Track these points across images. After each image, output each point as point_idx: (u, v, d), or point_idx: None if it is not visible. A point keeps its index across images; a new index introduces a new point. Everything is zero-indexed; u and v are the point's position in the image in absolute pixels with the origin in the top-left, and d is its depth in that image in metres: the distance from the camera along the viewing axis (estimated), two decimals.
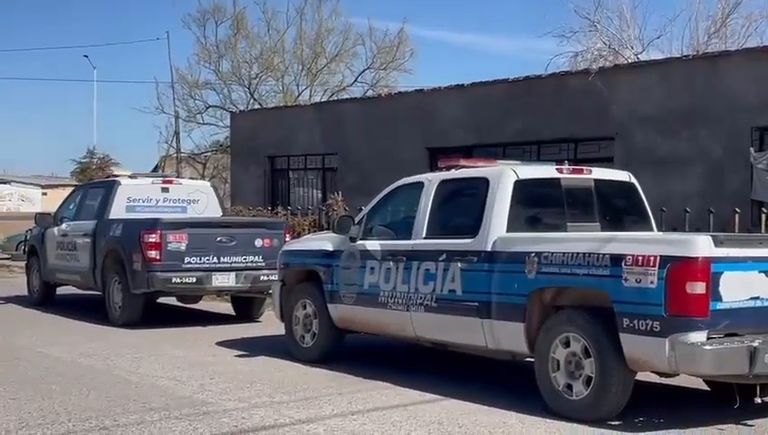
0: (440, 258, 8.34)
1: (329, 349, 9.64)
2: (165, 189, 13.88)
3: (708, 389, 8.05)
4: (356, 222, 9.44)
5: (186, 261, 12.03)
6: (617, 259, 6.91)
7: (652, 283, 6.65)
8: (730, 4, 23.57)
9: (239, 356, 10.06)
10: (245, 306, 13.45)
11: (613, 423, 7.00)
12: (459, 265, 8.14)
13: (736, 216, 10.73)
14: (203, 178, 33.41)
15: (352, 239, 9.31)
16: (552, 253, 7.41)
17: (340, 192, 17.63)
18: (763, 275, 6.84)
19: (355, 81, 36.57)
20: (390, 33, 36.34)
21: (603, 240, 7.35)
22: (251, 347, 10.56)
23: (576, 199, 8.57)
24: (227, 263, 12.27)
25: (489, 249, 7.91)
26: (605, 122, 15.25)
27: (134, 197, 13.54)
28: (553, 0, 49.63)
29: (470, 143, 17.15)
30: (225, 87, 37.01)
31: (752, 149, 13.32)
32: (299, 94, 36.21)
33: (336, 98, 32.19)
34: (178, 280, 12.01)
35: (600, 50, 22.75)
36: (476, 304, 7.92)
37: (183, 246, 12.01)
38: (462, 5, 52.22)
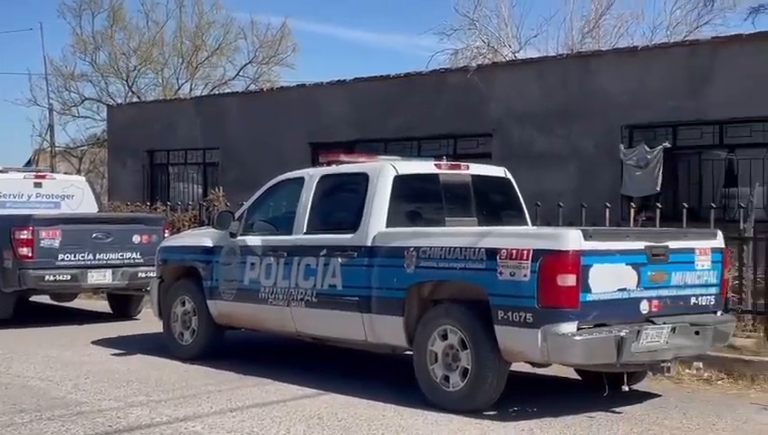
0: (321, 253, 8.38)
1: (208, 346, 9.57)
2: (37, 184, 13.48)
3: (579, 378, 8.35)
4: (236, 218, 9.39)
5: (59, 258, 11.72)
6: (492, 253, 7.08)
7: (525, 276, 6.85)
8: (603, 5, 24.34)
9: (115, 355, 9.87)
10: (123, 304, 13.20)
11: (489, 413, 7.17)
12: (340, 260, 8.20)
13: (607, 210, 11.10)
14: (79, 172, 32.49)
15: (232, 235, 9.26)
16: (431, 247, 7.54)
17: (221, 187, 17.47)
18: (629, 267, 7.11)
19: (237, 75, 36.28)
20: (273, 27, 36.19)
21: (479, 235, 7.52)
22: (128, 345, 10.37)
23: (454, 195, 8.73)
24: (103, 260, 12.02)
25: (369, 244, 8.00)
26: (483, 119, 15.55)
27: (4, 192, 13.09)
28: None
29: (352, 139, 17.22)
30: (102, 79, 36.13)
31: (622, 146, 13.82)
32: (179, 88, 35.66)
33: (217, 92, 31.78)
34: (52, 278, 11.68)
35: (479, 48, 23.13)
36: (357, 298, 8.00)
37: (56, 243, 11.70)
38: (345, 1, 52.39)
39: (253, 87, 33.02)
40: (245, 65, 36.21)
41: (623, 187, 13.58)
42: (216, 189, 17.43)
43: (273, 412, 7.19)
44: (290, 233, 8.81)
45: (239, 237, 9.22)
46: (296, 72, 36.11)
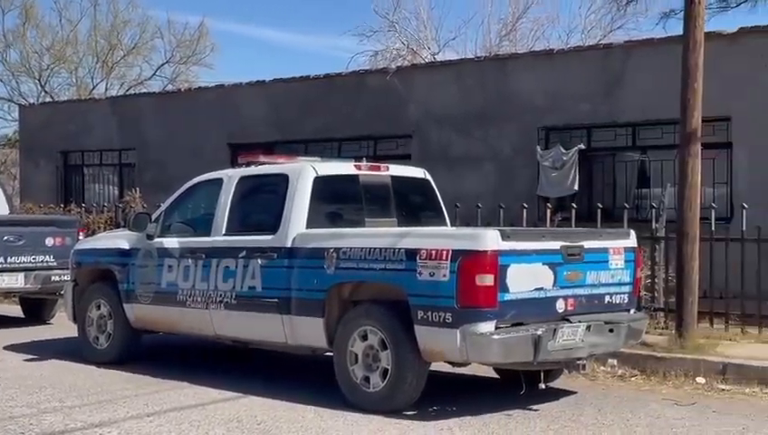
0: (240, 255, 8.33)
1: (125, 350, 9.42)
2: None
3: (498, 377, 8.46)
4: (153, 219, 9.26)
5: None
6: (411, 254, 7.13)
7: (444, 276, 6.91)
8: (519, 9, 24.79)
9: (28, 360, 9.64)
10: (36, 308, 12.91)
11: (409, 413, 7.21)
12: (259, 261, 8.16)
13: (524, 211, 11.27)
14: None
15: (149, 237, 9.13)
16: (350, 248, 7.56)
17: (137, 189, 17.20)
18: (546, 267, 7.24)
19: (154, 74, 35.81)
20: (190, 26, 35.87)
21: (399, 235, 7.57)
22: (41, 350, 10.14)
23: (374, 195, 8.77)
24: (15, 263, 11.73)
25: (289, 245, 7.98)
26: (403, 120, 15.62)
27: None
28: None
29: (272, 140, 17.12)
30: (14, 78, 35.30)
31: (538, 148, 14.02)
32: (94, 87, 34.98)
33: (134, 92, 31.28)
34: None
35: (398, 50, 23.33)
36: (276, 300, 7.97)
37: None
38: (265, 1, 52.08)
39: (170, 87, 32.59)
40: (162, 65, 35.80)
41: (540, 188, 13.79)
42: (133, 191, 17.16)
43: (191, 416, 7.11)
44: (208, 235, 8.73)
45: (156, 239, 9.10)
46: (215, 73, 35.93)
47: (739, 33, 12.34)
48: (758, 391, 8.26)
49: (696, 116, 9.60)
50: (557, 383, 8.27)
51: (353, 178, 8.69)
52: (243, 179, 8.82)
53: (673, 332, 9.64)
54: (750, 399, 8.10)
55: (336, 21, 52.93)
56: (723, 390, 8.40)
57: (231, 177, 8.92)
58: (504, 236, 7.03)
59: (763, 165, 11.97)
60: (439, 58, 22.39)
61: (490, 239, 6.95)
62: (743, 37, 12.28)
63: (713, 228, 10.31)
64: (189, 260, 8.78)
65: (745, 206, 10.30)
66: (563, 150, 13.73)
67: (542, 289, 7.21)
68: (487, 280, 6.84)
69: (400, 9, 24.73)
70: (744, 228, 10.16)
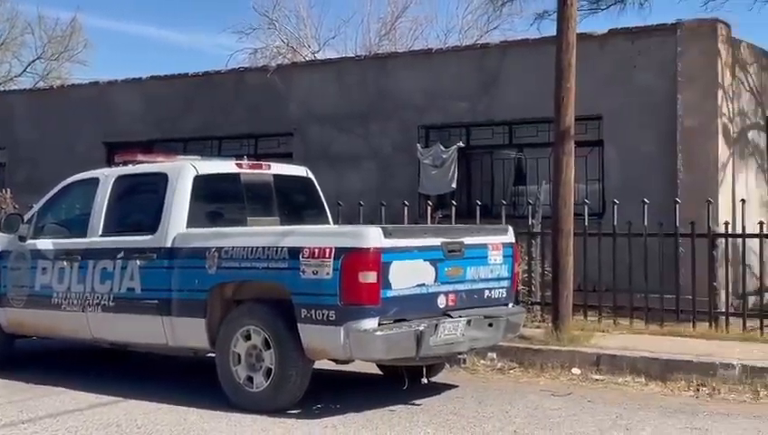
0: (118, 256, 8.14)
1: None
2: None
3: (381, 373, 8.50)
4: (26, 220, 8.99)
5: None
6: (294, 252, 7.10)
7: (328, 274, 6.91)
8: (398, 8, 25.02)
9: None
10: None
11: (293, 412, 7.19)
12: (138, 262, 8.00)
13: (405, 209, 11.37)
14: None
15: (22, 238, 8.85)
16: (232, 248, 7.49)
17: (8, 189, 16.58)
18: (427, 263, 7.31)
19: (24, 71, 34.70)
20: (62, 22, 34.81)
21: (281, 234, 7.54)
22: None
23: (255, 194, 8.70)
24: None
25: (169, 245, 7.85)
26: (284, 119, 15.56)
27: None
28: None
29: (150, 138, 16.80)
30: None
31: (419, 146, 14.18)
32: None
33: (3, 89, 30.16)
34: None
35: (278, 48, 23.25)
36: (156, 301, 7.83)
37: None
38: None
39: (42, 84, 31.59)
40: (33, 61, 34.70)
41: (420, 186, 13.94)
42: (3, 191, 16.54)
43: (68, 422, 6.91)
44: (84, 235, 8.51)
45: (29, 241, 8.83)
46: (89, 70, 34.86)
47: (609, 34, 12.79)
48: (630, 381, 8.52)
49: (570, 115, 9.85)
50: (439, 378, 8.35)
51: (234, 176, 8.60)
52: (120, 179, 8.63)
53: (549, 325, 9.85)
54: (622, 388, 8.34)
55: (215, 18, 52.31)
56: (597, 380, 8.63)
57: (108, 176, 8.72)
58: (387, 234, 7.07)
59: (633, 162, 12.43)
60: (320, 56, 22.41)
61: (372, 237, 6.98)
62: (612, 38, 12.72)
63: (586, 224, 10.62)
64: (64, 262, 8.54)
65: (616, 202, 10.68)
66: (443, 148, 13.92)
67: (423, 285, 7.26)
68: (370, 277, 6.87)
69: (280, 7, 24.69)
70: (616, 223, 10.48)
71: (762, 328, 9.83)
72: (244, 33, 24.09)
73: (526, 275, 10.93)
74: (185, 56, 49.71)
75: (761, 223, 10.08)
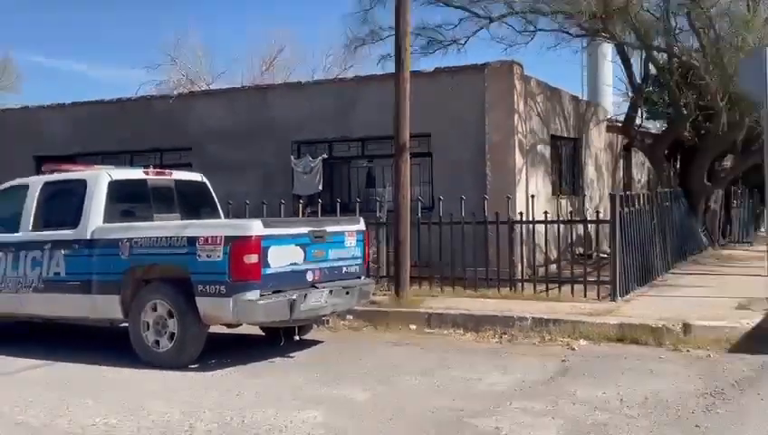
0: (46, 247, 7.83)
1: None
2: None
3: (263, 334, 8.47)
4: None
5: None
6: (192, 240, 7.01)
7: (219, 257, 6.86)
8: (276, 49, 24.85)
9: None
10: None
11: (193, 366, 7.11)
12: (63, 251, 7.73)
13: (282, 206, 11.31)
14: None
15: None
16: (141, 238, 7.32)
17: None
18: (298, 247, 7.34)
19: None
20: None
21: (182, 226, 7.42)
22: None
23: (160, 195, 8.50)
24: None
25: (88, 237, 7.61)
26: (184, 136, 15.12)
27: None
28: (142, 37, 48.20)
29: (73, 153, 15.97)
30: None
31: (292, 157, 14.06)
32: None
33: None
34: None
35: (179, 80, 22.67)
36: (79, 283, 7.59)
37: None
38: (67, 37, 48.60)
39: None
40: None
41: (294, 188, 13.83)
42: None
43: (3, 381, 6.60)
44: (18, 231, 8.13)
45: None
46: (21, 96, 32.94)
47: (435, 72, 12.89)
48: (452, 332, 8.71)
49: (405, 133, 9.99)
50: (308, 336, 8.38)
51: (142, 181, 8.39)
52: (47, 184, 8.29)
53: (393, 293, 9.94)
54: (446, 338, 8.53)
55: (128, 56, 50.47)
56: (428, 332, 8.79)
57: (36, 182, 8.36)
58: (266, 225, 7.08)
59: (454, 169, 12.55)
60: (213, 87, 21.96)
61: (254, 227, 6.97)
62: (438, 75, 12.82)
63: (419, 215, 10.80)
64: (1, 253, 8.14)
65: (441, 198, 10.92)
66: (311, 159, 13.87)
67: (295, 264, 7.29)
68: (253, 259, 6.85)
69: (180, 47, 24.15)
70: (441, 215, 10.69)
71: (547, 290, 10.16)
72: (151, 68, 23.57)
73: (376, 255, 11.02)
74: (102, 86, 47.68)
75: (545, 213, 10.51)
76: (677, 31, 13.56)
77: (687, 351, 7.46)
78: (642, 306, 9.04)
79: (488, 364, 7.10)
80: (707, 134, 15.01)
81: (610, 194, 10.30)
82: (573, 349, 7.74)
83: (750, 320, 8.04)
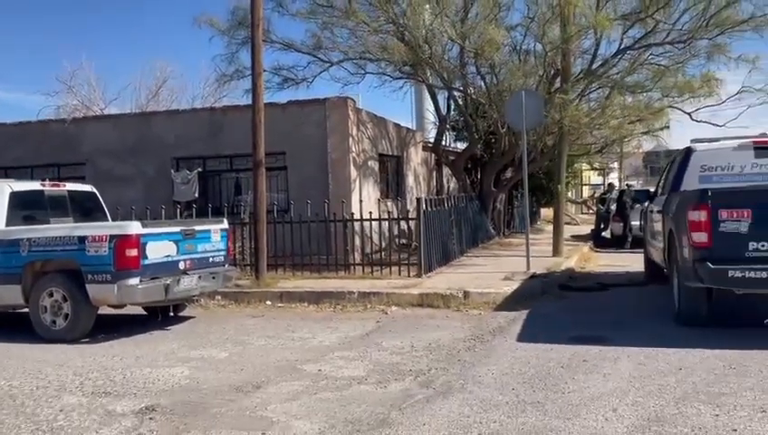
0: None
1: None
2: None
3: (145, 313, 8.54)
4: None
5: None
6: (82, 238, 7.07)
7: (105, 251, 6.96)
8: (161, 81, 24.23)
9: None
10: None
11: (84, 340, 7.14)
12: None
13: (163, 211, 11.31)
14: None
15: None
16: (39, 238, 7.29)
17: None
18: (171, 242, 7.50)
19: None
20: None
21: (73, 227, 7.44)
22: None
23: (56, 203, 8.36)
24: None
25: None
26: (79, 153, 14.60)
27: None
28: (38, 63, 44.98)
29: None
30: None
31: (172, 171, 13.98)
32: None
33: None
34: None
35: (75, 105, 21.63)
36: None
37: None
38: None
39: None
40: None
41: (174, 196, 13.79)
42: None
43: None
44: None
45: None
46: None
47: (288, 103, 13.24)
48: (299, 306, 9.00)
49: (261, 152, 10.18)
50: (185, 313, 8.50)
51: (40, 192, 8.25)
52: None
53: (254, 277, 10.15)
54: (294, 310, 8.79)
55: (29, 82, 46.86)
56: (280, 307, 9.03)
57: None
58: (144, 225, 7.23)
59: (304, 179, 12.89)
60: (106, 111, 21.17)
61: (134, 227, 7.11)
62: (290, 106, 13.18)
63: (275, 216, 11.17)
64: None
65: (292, 203, 11.35)
66: (188, 172, 13.84)
67: (169, 256, 7.44)
68: (133, 252, 6.98)
69: (76, 77, 23.04)
70: (292, 215, 11.08)
71: (372, 271, 10.68)
72: (50, 94, 22.48)
73: (241, 248, 11.27)
74: (7, 109, 44.04)
75: (370, 213, 11.13)
76: (471, 76, 14.75)
77: (466, 311, 8.28)
78: (439, 280, 9.82)
79: (322, 327, 7.52)
80: (494, 152, 16.42)
81: (417, 198, 11.04)
82: (386, 313, 8.32)
83: (510, 287, 9.05)
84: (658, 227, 8.19)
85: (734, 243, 5.81)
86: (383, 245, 12.30)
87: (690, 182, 7.43)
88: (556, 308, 8.27)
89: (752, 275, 5.68)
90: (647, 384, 4.90)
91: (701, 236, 5.95)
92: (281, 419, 4.48)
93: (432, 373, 5.49)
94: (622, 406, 4.45)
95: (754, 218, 5.79)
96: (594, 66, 13.33)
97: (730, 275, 5.75)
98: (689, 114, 13.99)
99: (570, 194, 28.85)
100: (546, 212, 21.99)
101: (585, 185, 30.90)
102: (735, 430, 3.95)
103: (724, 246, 5.84)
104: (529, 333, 6.88)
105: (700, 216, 5.95)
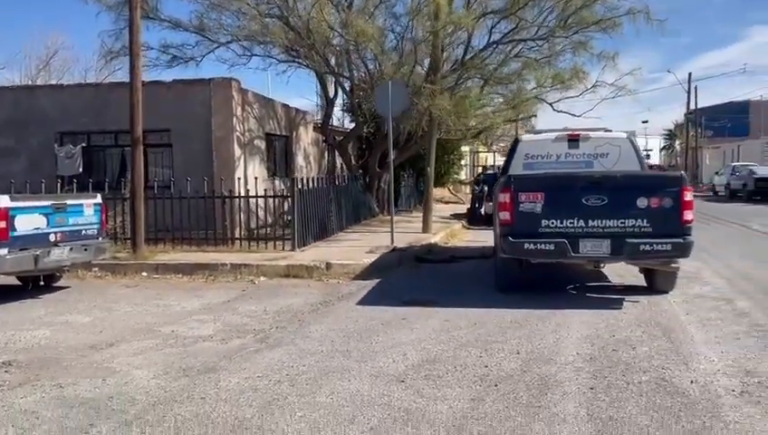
0: None
1: None
2: None
3: (20, 283, 8.64)
4: None
5: None
6: None
7: None
8: (52, 51, 23.47)
9: None
10: None
11: None
12: None
13: (43, 185, 11.23)
14: None
15: None
16: None
17: None
18: (41, 215, 7.82)
19: None
20: None
21: None
22: None
23: None
24: None
25: None
26: None
27: None
28: None
29: None
30: None
31: (56, 145, 13.88)
32: None
33: None
34: None
35: None
36: None
37: None
38: None
39: None
40: None
41: (58, 170, 13.76)
42: None
43: None
44: None
45: None
46: None
47: (173, 82, 13.38)
48: (174, 277, 9.36)
49: (139, 130, 10.42)
50: (61, 283, 8.70)
51: None
52: None
53: (130, 250, 10.49)
54: (169, 281, 9.13)
55: None
56: (155, 278, 9.36)
57: None
58: (12, 199, 7.49)
59: (188, 156, 13.11)
60: None
61: (2, 201, 7.35)
62: (176, 85, 13.26)
63: (155, 192, 11.45)
64: None
65: (173, 179, 11.69)
66: (72, 147, 13.83)
67: (39, 229, 7.73)
68: (1, 225, 7.26)
69: None
70: (173, 191, 11.41)
71: (249, 246, 11.10)
72: None
73: (122, 222, 11.51)
74: None
75: (247, 190, 11.60)
76: (355, 63, 15.49)
77: (327, 281, 9.03)
78: (311, 254, 10.46)
79: (190, 296, 7.96)
80: (378, 133, 17.34)
81: (291, 178, 11.65)
82: (254, 283, 8.90)
83: (370, 259, 9.95)
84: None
85: (530, 221, 6.91)
86: (269, 221, 12.91)
87: (516, 168, 8.55)
88: (405, 277, 9.24)
89: (542, 247, 6.83)
90: (441, 335, 5.94)
91: (506, 215, 7.06)
92: (123, 368, 5.15)
93: (271, 332, 6.27)
94: (412, 351, 5.44)
95: (546, 200, 6.91)
96: (467, 58, 14.43)
97: (525, 247, 6.88)
98: (551, 105, 15.44)
99: (462, 175, 30.40)
100: (437, 192, 23.19)
101: (482, 166, 32.58)
102: (486, 366, 5.02)
103: (523, 224, 6.94)
104: (370, 298, 7.77)
105: (505, 198, 7.04)
